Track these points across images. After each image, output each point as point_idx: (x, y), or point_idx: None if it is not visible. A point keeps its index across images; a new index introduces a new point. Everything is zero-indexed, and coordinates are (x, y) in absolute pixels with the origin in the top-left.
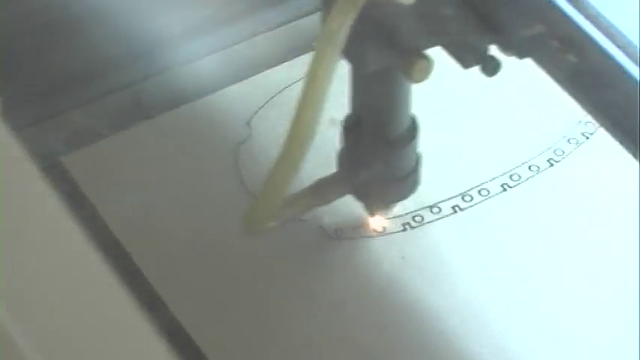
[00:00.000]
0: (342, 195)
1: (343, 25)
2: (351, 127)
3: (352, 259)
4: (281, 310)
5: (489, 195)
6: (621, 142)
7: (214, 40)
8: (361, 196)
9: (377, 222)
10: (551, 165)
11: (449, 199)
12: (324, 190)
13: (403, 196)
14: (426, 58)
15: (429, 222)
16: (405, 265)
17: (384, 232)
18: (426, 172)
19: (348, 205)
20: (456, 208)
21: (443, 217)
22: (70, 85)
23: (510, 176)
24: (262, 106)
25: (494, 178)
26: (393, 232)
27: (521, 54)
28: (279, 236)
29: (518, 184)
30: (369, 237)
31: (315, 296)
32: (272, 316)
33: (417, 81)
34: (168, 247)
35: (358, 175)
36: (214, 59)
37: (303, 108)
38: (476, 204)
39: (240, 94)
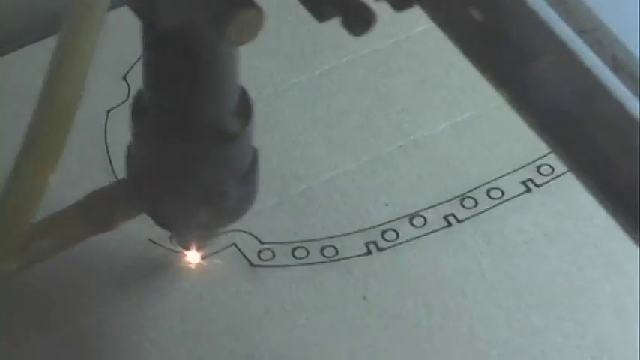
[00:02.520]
0: (131, 216)
1: None
2: (143, 114)
3: (283, 297)
4: None
5: (501, 198)
6: None
7: None
8: (162, 220)
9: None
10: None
11: (438, 204)
12: (102, 208)
13: (227, 219)
14: (253, 6)
15: (407, 240)
16: (366, 313)
17: (333, 257)
18: (406, 168)
19: None
20: (450, 219)
21: (430, 233)
22: None
23: (538, 168)
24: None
25: (505, 175)
26: (350, 256)
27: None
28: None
29: (544, 181)
30: (309, 264)
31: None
32: None
33: (239, 41)
34: None
35: (154, 187)
36: None
37: (59, 82)
38: (481, 212)
39: None
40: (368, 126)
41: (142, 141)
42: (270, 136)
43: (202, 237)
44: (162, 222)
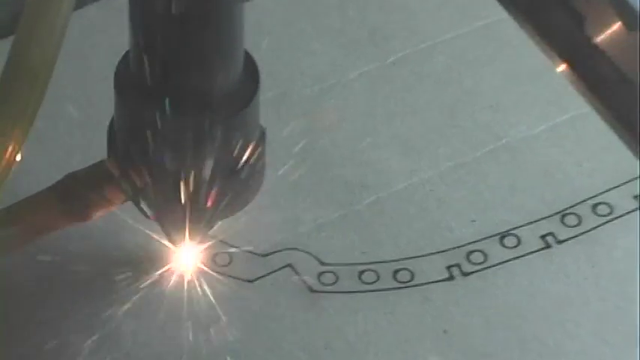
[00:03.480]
0: (112, 203)
1: None
2: (130, 80)
3: (347, 329)
4: None
5: (610, 215)
6: None
7: None
8: (151, 208)
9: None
10: None
11: (535, 222)
12: (77, 194)
13: (226, 209)
14: None
15: (497, 263)
16: (447, 349)
17: (408, 282)
18: (496, 177)
19: None
20: (549, 239)
21: (525, 255)
22: None
23: None
24: None
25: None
26: (429, 282)
27: None
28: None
29: None
30: (379, 290)
31: None
32: None
33: None
34: None
35: (139, 168)
36: None
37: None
38: (585, 231)
39: None
40: (450, 126)
41: (127, 115)
42: (332, 136)
43: (196, 230)
44: (149, 212)
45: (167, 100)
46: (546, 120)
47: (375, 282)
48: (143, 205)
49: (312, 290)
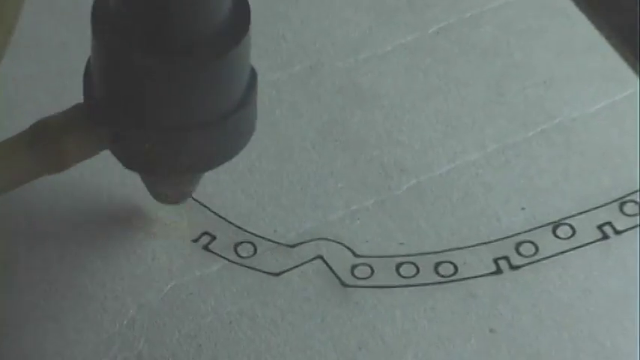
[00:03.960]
0: (88, 152)
1: None
2: (108, 15)
3: (384, 327)
4: None
5: None
6: None
7: None
8: (129, 158)
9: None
10: None
11: (591, 210)
12: (50, 140)
13: (212, 159)
14: None
15: (549, 256)
16: (494, 350)
17: (451, 276)
18: (548, 160)
19: None
20: (606, 229)
21: (580, 247)
22: None
23: None
24: None
25: None
26: (474, 276)
27: None
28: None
29: None
30: (418, 284)
31: None
32: None
33: None
34: None
35: (119, 111)
36: None
37: None
38: None
39: None
40: (498, 103)
41: (106, 51)
42: (367, 113)
43: (182, 185)
44: (129, 161)
45: (149, 39)
46: (604, 97)
47: (414, 276)
48: (122, 155)
49: (344, 284)
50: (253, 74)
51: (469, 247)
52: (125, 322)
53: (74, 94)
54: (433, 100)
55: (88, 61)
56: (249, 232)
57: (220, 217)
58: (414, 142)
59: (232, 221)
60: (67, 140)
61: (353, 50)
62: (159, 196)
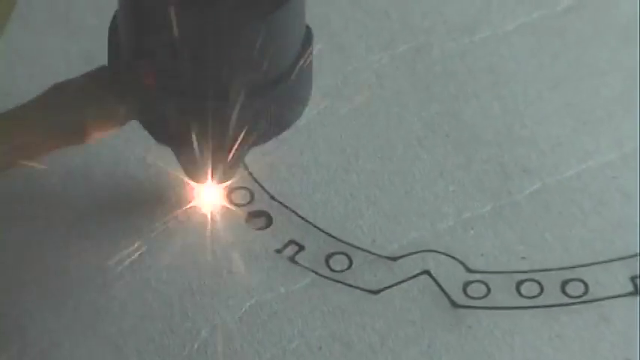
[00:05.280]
0: (114, 120)
1: None
2: None
3: (502, 353)
4: None
5: None
6: None
7: None
8: (160, 128)
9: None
10: None
11: None
12: (71, 106)
13: (262, 131)
14: None
15: None
16: None
17: (581, 296)
18: None
19: None
20: None
21: None
22: None
23: None
24: None
25: None
26: (608, 297)
27: None
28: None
29: None
30: (543, 306)
31: None
32: None
33: None
34: None
35: (150, 72)
36: None
37: None
38: None
39: None
40: (638, 95)
41: (135, 6)
42: (484, 104)
43: (222, 161)
44: (160, 132)
45: None
46: None
47: (537, 296)
48: (153, 126)
49: (455, 305)
50: (309, 34)
51: (602, 262)
52: (196, 346)
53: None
54: (562, 90)
55: (114, 17)
56: (343, 242)
57: (309, 223)
58: (539, 138)
59: (324, 229)
60: (89, 110)
61: (468, 29)
62: (195, 175)
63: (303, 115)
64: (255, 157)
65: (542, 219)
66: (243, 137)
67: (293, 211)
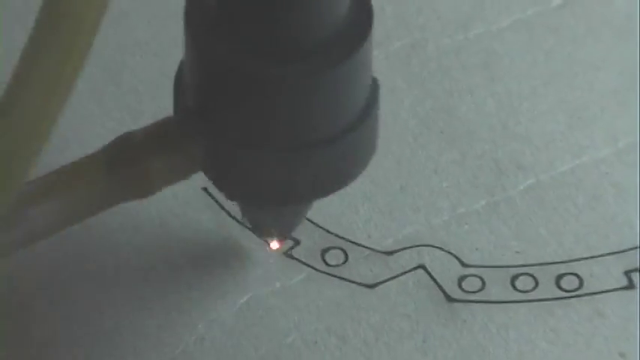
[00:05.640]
0: (179, 175)
1: None
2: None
3: (496, 349)
4: None
5: None
6: None
7: None
8: (229, 185)
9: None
10: None
11: None
12: (134, 159)
13: (329, 185)
14: None
15: None
16: None
17: (575, 290)
18: None
19: None
20: None
21: None
22: None
23: None
24: None
25: None
26: (602, 291)
27: None
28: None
29: None
30: (537, 300)
31: None
32: None
33: None
34: None
35: (218, 127)
36: None
37: None
38: None
39: None
40: (632, 90)
41: (201, 58)
42: (478, 100)
43: (289, 217)
44: (229, 189)
45: (257, 41)
46: None
47: (532, 290)
48: (220, 180)
49: (450, 299)
50: (375, 85)
51: (597, 257)
52: (192, 341)
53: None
54: (556, 86)
55: (180, 67)
56: (339, 237)
57: (305, 218)
58: (533, 134)
59: (319, 224)
60: (155, 162)
61: (462, 25)
62: (262, 231)
63: None
64: None
65: (536, 214)
66: (309, 191)
67: None
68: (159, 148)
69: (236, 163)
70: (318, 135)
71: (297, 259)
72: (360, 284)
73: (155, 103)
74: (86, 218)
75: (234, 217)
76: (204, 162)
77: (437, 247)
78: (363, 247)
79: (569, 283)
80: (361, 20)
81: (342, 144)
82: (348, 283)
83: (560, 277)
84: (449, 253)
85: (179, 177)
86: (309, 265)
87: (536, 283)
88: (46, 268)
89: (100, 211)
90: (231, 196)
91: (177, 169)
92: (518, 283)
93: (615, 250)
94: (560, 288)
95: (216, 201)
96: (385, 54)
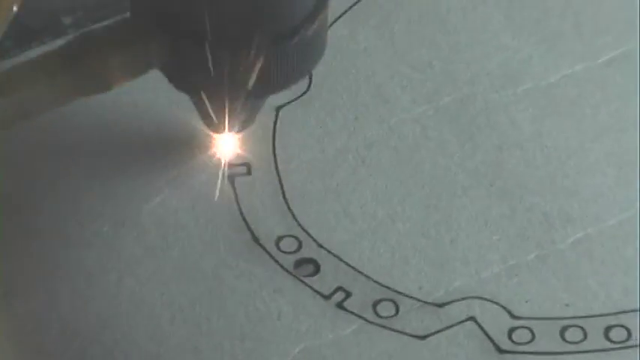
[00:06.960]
0: (136, 67)
1: None
2: None
3: None
4: None
5: None
6: None
7: None
8: (179, 70)
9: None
10: None
11: None
12: (91, 53)
13: (281, 77)
14: None
15: None
16: None
17: (625, 341)
18: None
19: None
20: None
21: None
22: None
23: None
24: None
25: None
26: None
27: None
28: None
29: None
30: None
31: None
32: None
33: None
34: None
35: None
36: None
37: None
38: None
39: None
40: None
41: None
42: (527, 155)
43: (239, 111)
44: (182, 80)
45: None
46: None
47: (581, 341)
48: (175, 73)
49: (500, 350)
50: None
51: None
52: None
53: None
54: (604, 141)
55: None
56: (390, 289)
57: (357, 270)
58: (582, 188)
59: (371, 276)
60: (112, 54)
61: (511, 81)
62: (212, 124)
63: (350, 165)
64: (303, 206)
65: (585, 267)
66: (261, 86)
67: (340, 259)
68: (116, 44)
69: (191, 56)
70: (272, 30)
71: (349, 310)
72: (411, 336)
73: None
74: (47, 111)
75: (286, 269)
76: (159, 56)
77: (487, 300)
78: (414, 299)
79: (617, 334)
80: None
81: (295, 41)
82: (399, 334)
83: (608, 328)
84: (499, 305)
85: (136, 72)
86: (360, 317)
87: (585, 335)
88: None
89: (59, 105)
90: (184, 90)
91: (133, 63)
92: (568, 335)
93: None
94: (608, 339)
95: (265, 249)
96: (435, 109)
